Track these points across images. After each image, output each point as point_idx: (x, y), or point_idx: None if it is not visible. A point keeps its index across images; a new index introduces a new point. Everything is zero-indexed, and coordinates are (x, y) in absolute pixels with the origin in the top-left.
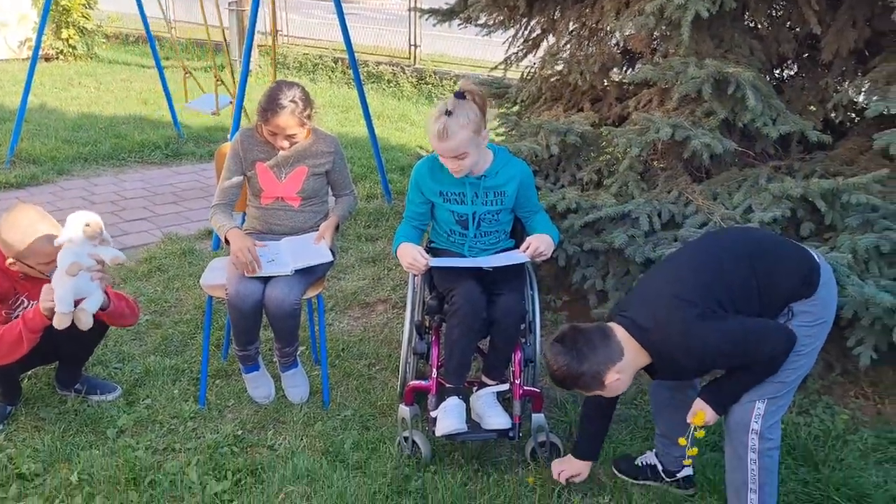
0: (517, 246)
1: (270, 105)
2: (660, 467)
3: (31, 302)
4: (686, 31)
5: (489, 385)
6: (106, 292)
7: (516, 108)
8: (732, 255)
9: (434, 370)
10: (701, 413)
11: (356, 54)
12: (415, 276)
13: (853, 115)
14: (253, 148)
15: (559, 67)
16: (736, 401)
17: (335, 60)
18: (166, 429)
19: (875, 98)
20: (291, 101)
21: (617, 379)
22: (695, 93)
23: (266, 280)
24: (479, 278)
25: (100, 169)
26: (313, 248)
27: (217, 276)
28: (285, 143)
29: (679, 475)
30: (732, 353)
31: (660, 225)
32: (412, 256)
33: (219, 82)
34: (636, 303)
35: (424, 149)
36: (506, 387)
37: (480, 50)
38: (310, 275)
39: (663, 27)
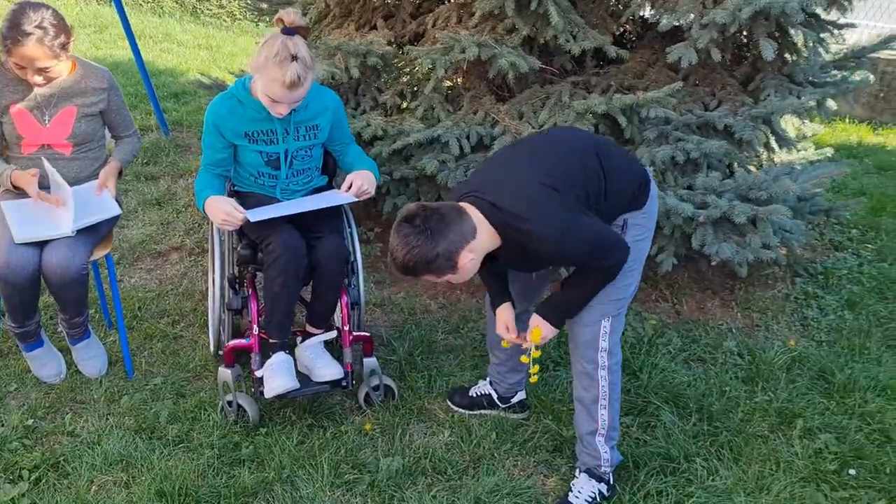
0: (331, 183)
1: (12, 32)
2: (495, 395)
3: None
4: None
5: (315, 334)
6: None
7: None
8: (585, 150)
9: (254, 326)
10: (537, 329)
11: None
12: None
13: (639, 28)
14: (2, 88)
15: None
16: (570, 315)
17: None
18: None
19: (664, 13)
20: (38, 26)
21: (471, 259)
22: (497, 9)
23: (41, 244)
24: (295, 222)
25: None
26: (95, 201)
27: None
28: (38, 79)
29: (514, 400)
30: (586, 251)
31: (469, 148)
32: (225, 212)
33: None
34: (493, 186)
35: (206, 76)
36: (333, 334)
37: None
38: (94, 232)
39: None
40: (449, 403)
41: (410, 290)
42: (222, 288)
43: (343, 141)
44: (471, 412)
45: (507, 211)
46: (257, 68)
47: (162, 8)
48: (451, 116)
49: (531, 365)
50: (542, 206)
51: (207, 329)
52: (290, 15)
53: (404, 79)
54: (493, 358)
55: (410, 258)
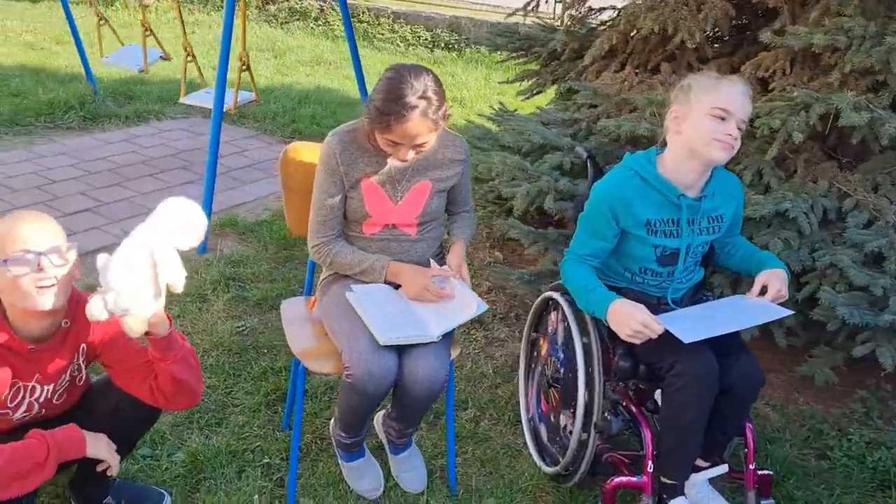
0: (705, 277)
1: (395, 106)
2: None
3: (41, 386)
4: None
5: (703, 468)
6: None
7: (559, 67)
8: None
9: (649, 462)
10: None
11: None
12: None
13: None
14: (357, 160)
15: (649, 23)
16: None
17: None
18: None
19: None
20: (422, 96)
21: None
22: (879, 64)
23: (399, 348)
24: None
25: (4, 139)
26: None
27: (310, 337)
28: (410, 154)
29: None
30: None
31: (817, 224)
32: (641, 322)
33: (148, 33)
34: None
35: (472, 122)
36: (724, 469)
37: None
38: (450, 333)
39: None
40: None
41: None
42: (588, 405)
43: (734, 232)
44: None
45: None
46: (695, 94)
47: (333, 32)
48: (786, 185)
49: None
50: None
51: (522, 434)
52: None
53: None
54: None
55: None
